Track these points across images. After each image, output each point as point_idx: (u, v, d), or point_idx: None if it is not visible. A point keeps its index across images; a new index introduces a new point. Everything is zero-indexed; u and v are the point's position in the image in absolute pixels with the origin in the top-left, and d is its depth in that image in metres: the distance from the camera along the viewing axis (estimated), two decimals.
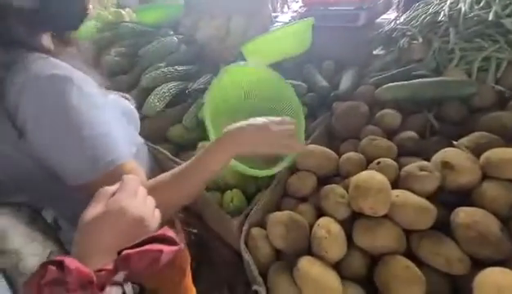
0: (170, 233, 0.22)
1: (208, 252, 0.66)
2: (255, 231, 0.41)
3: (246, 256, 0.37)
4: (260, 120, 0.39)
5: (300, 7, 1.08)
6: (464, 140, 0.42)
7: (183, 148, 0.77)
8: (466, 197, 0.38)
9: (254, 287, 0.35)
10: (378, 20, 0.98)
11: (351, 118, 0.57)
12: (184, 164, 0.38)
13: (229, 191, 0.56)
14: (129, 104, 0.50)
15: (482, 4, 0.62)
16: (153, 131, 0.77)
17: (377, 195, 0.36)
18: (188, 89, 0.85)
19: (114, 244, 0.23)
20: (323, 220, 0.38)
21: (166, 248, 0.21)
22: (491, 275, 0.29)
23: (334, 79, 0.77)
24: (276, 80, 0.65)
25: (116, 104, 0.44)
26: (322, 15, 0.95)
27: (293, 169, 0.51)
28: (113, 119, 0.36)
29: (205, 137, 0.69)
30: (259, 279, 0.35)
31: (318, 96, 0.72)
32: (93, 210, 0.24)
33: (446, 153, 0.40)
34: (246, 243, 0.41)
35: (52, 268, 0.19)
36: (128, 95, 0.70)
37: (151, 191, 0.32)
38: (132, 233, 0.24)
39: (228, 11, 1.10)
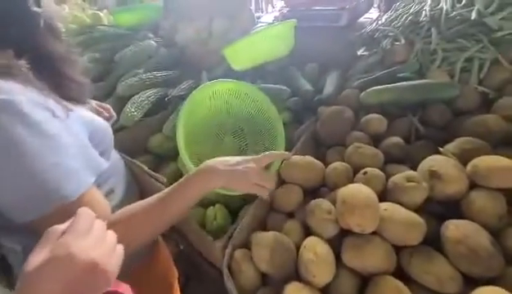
0: (122, 288, 0.18)
1: (196, 268, 0.63)
2: (238, 254, 0.39)
3: (229, 283, 0.35)
4: (234, 159, 0.40)
5: (282, 8, 1.06)
6: (450, 146, 0.41)
7: (164, 159, 0.73)
8: (455, 206, 0.36)
9: None
10: (360, 20, 0.97)
11: (336, 123, 0.55)
12: (154, 196, 0.36)
13: (212, 207, 0.53)
14: (100, 122, 0.45)
15: (464, 2, 0.62)
16: (132, 142, 0.73)
17: (364, 211, 0.34)
18: (168, 96, 0.81)
19: None
20: (310, 241, 0.35)
21: None
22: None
23: (318, 82, 0.75)
24: (253, 92, 0.63)
25: (82, 124, 0.39)
26: (305, 15, 0.94)
27: (279, 181, 0.48)
28: (70, 146, 0.31)
29: None
30: None
31: (302, 101, 0.70)
32: (37, 256, 0.21)
33: (433, 162, 0.39)
34: (229, 267, 0.38)
35: None
36: (106, 105, 0.66)
37: (115, 224, 0.29)
38: (85, 281, 0.21)
39: (209, 12, 1.06)
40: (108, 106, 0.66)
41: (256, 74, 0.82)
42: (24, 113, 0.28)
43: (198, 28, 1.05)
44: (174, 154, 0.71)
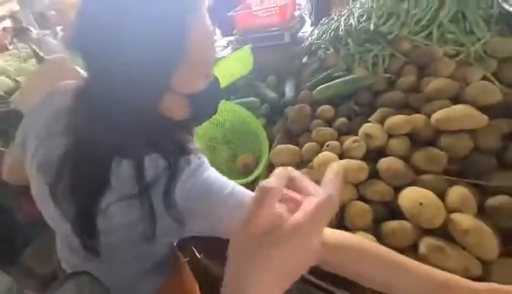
0: None
1: (213, 279, 0.74)
2: None
3: None
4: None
5: (235, 32, 1.25)
6: (373, 117, 0.64)
7: None
8: (382, 152, 0.58)
9: None
10: (299, 35, 1.21)
11: (300, 118, 0.75)
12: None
13: None
14: None
15: (364, 18, 0.88)
16: None
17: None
18: None
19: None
20: None
21: None
22: (408, 191, 0.48)
23: (278, 90, 0.96)
24: (232, 107, 0.80)
25: None
26: (255, 38, 1.14)
27: (270, 166, 0.66)
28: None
29: None
30: None
31: (271, 106, 0.89)
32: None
33: (366, 128, 0.60)
34: None
35: None
36: None
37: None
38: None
39: None
40: None
41: (228, 92, 0.99)
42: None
43: None
44: None
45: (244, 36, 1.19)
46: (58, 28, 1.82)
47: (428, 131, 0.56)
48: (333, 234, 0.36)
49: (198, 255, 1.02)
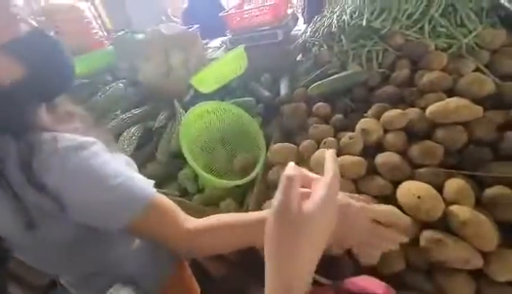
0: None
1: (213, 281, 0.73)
2: None
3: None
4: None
5: (228, 32, 1.25)
6: (369, 112, 0.64)
7: (161, 185, 0.83)
8: (379, 147, 0.58)
9: None
10: (292, 33, 1.21)
11: (297, 116, 0.74)
12: (240, 217, 0.44)
13: (223, 201, 0.67)
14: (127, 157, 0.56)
15: (357, 14, 0.88)
16: None
17: None
18: (152, 128, 0.92)
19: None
20: None
21: None
22: (405, 185, 0.48)
23: (273, 88, 0.95)
24: (228, 107, 0.79)
25: (122, 158, 0.50)
26: (248, 38, 1.14)
27: (269, 164, 0.66)
28: (127, 168, 0.43)
29: (181, 167, 0.79)
30: None
31: (266, 105, 0.89)
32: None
33: (362, 124, 0.60)
34: None
35: None
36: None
37: (205, 231, 0.41)
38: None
39: (163, 49, 1.19)
40: None
41: (223, 93, 0.99)
42: (92, 149, 0.38)
43: (157, 63, 1.17)
44: (171, 177, 0.82)
45: (236, 36, 1.18)
46: None
47: (423, 124, 0.56)
48: (198, 221, 0.43)
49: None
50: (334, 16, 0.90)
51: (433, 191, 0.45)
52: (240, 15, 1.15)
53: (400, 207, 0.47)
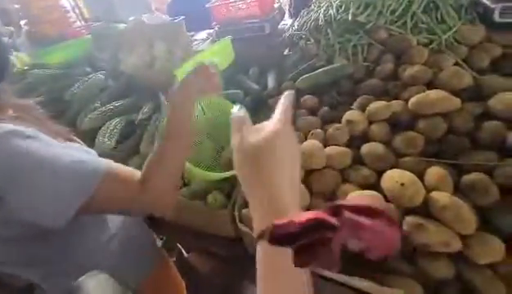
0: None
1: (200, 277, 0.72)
2: (245, 212, 0.54)
3: (243, 228, 0.49)
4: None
5: (214, 25, 1.22)
6: (355, 104, 0.65)
7: None
8: (364, 138, 0.59)
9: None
10: (279, 26, 1.21)
11: None
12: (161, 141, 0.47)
13: (210, 194, 0.66)
14: (88, 148, 0.53)
15: (343, 8, 0.89)
16: None
17: (318, 153, 0.53)
18: (134, 121, 0.88)
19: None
20: None
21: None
22: (389, 173, 0.49)
23: (261, 81, 0.95)
24: (215, 98, 0.78)
25: (77, 147, 0.48)
26: (235, 30, 1.12)
27: None
28: (79, 151, 0.42)
29: None
30: None
31: (253, 98, 0.88)
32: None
33: (348, 115, 0.61)
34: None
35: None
36: (77, 139, 0.71)
37: (150, 177, 0.41)
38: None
39: (147, 39, 1.15)
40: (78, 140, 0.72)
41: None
42: (32, 135, 0.37)
43: (141, 54, 1.13)
44: None
45: (223, 28, 1.16)
46: (22, 23, 1.68)
47: (406, 115, 0.58)
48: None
49: (186, 254, 1.00)
50: (321, 10, 0.91)
51: (415, 178, 0.47)
52: (226, 6, 1.13)
53: (384, 194, 0.48)
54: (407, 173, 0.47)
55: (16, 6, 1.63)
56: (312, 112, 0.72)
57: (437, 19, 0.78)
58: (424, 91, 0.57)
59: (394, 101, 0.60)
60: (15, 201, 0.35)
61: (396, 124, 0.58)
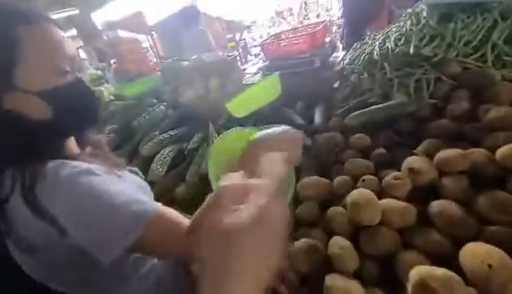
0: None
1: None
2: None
3: None
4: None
5: (263, 60, 1.28)
6: (419, 148, 0.55)
7: (188, 207, 0.83)
8: (432, 191, 0.49)
9: None
10: (330, 59, 1.19)
11: (331, 146, 0.69)
12: None
13: None
14: (142, 180, 0.57)
15: (402, 41, 0.82)
16: (160, 195, 0.83)
17: (370, 208, 0.46)
18: (185, 150, 0.94)
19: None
20: (335, 240, 0.46)
21: None
22: (471, 248, 0.38)
23: (307, 116, 0.91)
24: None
25: (132, 181, 0.52)
26: (284, 64, 1.14)
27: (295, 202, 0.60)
28: (133, 188, 0.43)
29: (210, 189, 0.78)
30: None
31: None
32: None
33: (410, 161, 0.52)
34: None
35: None
36: (135, 169, 0.78)
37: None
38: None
39: (205, 74, 1.26)
40: (136, 170, 0.79)
41: (255, 118, 0.98)
42: (94, 173, 0.40)
43: (197, 87, 1.23)
44: (198, 201, 0.81)
45: (273, 63, 1.20)
46: (112, 61, 2.07)
47: (492, 168, 0.46)
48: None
49: None
50: (376, 43, 0.85)
51: (508, 259, 0.35)
52: (278, 43, 1.17)
53: (462, 273, 0.37)
54: (497, 251, 0.36)
55: (109, 46, 2.03)
56: (364, 154, 0.64)
57: None
58: None
59: (474, 149, 0.49)
60: (75, 233, 0.39)
61: (477, 179, 0.47)
